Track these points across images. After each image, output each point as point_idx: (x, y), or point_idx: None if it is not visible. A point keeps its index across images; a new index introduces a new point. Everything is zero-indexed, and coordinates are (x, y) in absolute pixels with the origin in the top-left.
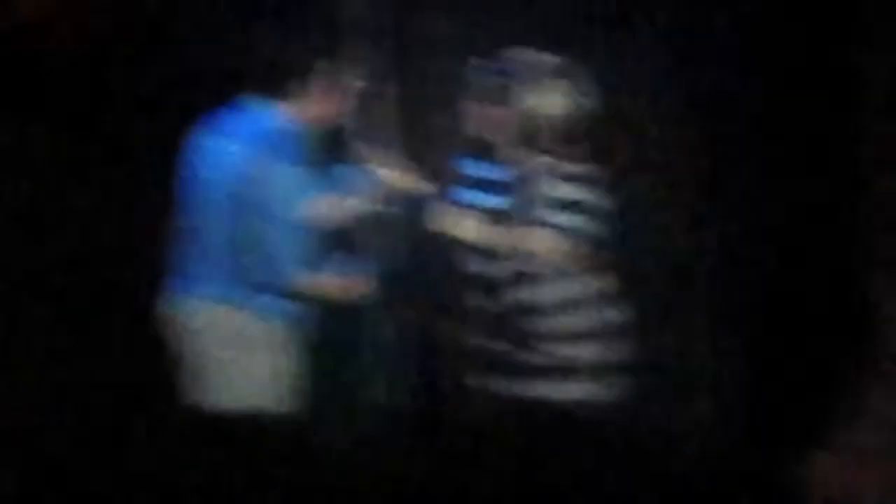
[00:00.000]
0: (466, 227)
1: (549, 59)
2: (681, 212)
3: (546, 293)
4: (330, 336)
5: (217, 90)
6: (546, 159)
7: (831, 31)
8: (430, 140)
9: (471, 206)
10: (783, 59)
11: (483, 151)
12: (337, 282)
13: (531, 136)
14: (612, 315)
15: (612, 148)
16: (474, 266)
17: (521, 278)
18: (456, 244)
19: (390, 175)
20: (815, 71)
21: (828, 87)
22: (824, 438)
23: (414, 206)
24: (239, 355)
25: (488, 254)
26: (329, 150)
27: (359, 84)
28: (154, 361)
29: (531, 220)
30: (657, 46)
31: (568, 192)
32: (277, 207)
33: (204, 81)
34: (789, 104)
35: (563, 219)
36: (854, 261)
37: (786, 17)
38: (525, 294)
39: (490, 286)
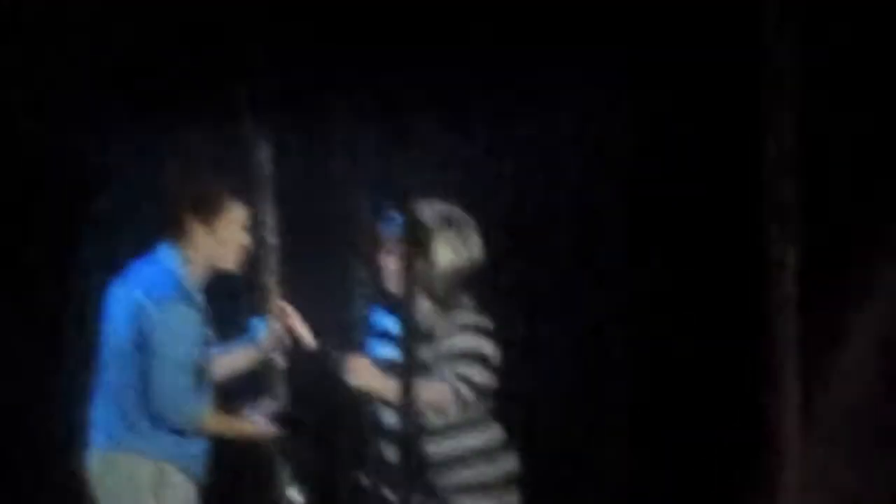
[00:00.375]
0: (366, 378)
1: (442, 208)
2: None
3: (441, 445)
4: (231, 482)
5: (130, 235)
6: (439, 309)
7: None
8: (328, 289)
9: (371, 357)
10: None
11: (381, 301)
12: (239, 422)
13: (425, 285)
14: (505, 465)
15: (501, 298)
16: (375, 417)
17: (419, 430)
18: (356, 394)
19: (288, 324)
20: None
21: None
22: None
23: (313, 355)
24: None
25: (388, 405)
26: (227, 297)
27: (265, 230)
28: None
29: (426, 371)
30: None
31: (462, 342)
32: (170, 347)
33: (119, 225)
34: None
35: (458, 370)
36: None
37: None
38: (424, 446)
39: (390, 437)
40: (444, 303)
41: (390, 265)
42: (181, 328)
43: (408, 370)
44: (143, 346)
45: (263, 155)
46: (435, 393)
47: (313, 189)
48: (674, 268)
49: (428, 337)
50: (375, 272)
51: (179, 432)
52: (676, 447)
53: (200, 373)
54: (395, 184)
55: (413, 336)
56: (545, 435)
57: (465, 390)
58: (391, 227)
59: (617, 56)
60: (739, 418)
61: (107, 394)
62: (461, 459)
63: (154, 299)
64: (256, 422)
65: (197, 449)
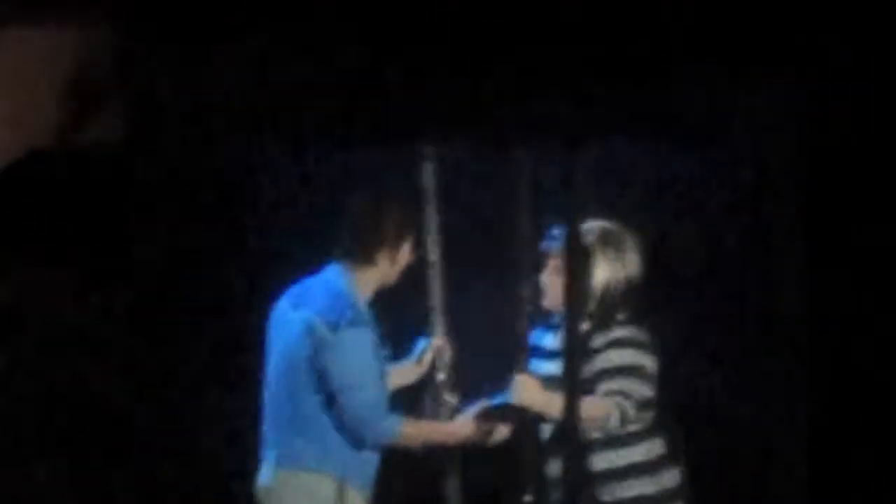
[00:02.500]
0: (531, 396)
1: (602, 226)
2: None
3: (603, 460)
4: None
5: (302, 258)
6: (593, 324)
7: None
8: (491, 308)
9: (534, 374)
10: None
11: (542, 318)
12: (436, 427)
13: (584, 302)
14: (668, 479)
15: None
16: (543, 434)
17: (582, 445)
18: (525, 412)
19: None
20: None
21: None
22: None
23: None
24: None
25: (551, 421)
26: (393, 316)
27: (429, 249)
28: None
29: (583, 387)
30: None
31: (617, 356)
32: (356, 369)
33: (288, 249)
34: None
35: (616, 384)
36: None
37: None
38: (586, 462)
39: (553, 454)
40: (602, 319)
41: (550, 283)
42: (362, 349)
43: (571, 386)
44: (321, 368)
45: (429, 175)
46: (596, 408)
47: (476, 208)
48: (850, 273)
49: (586, 352)
50: (537, 290)
51: (359, 448)
52: (853, 468)
53: (385, 387)
54: (558, 202)
55: (576, 349)
56: (708, 449)
57: (625, 404)
58: (552, 245)
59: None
60: None
61: (278, 414)
62: (623, 474)
63: (330, 323)
64: (462, 422)
65: (372, 465)
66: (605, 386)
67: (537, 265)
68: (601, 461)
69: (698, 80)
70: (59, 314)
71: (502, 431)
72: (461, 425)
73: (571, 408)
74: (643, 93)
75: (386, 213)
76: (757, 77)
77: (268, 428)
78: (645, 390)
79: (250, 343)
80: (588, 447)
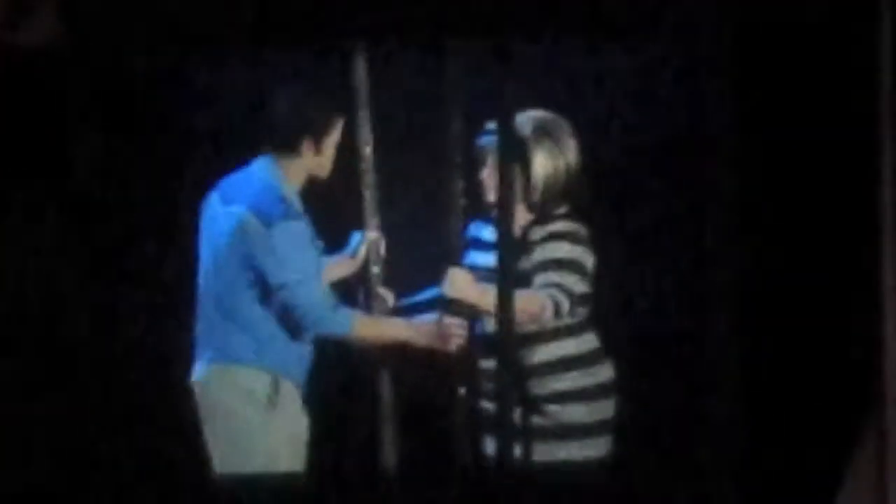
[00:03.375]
0: (463, 289)
1: (534, 115)
2: (666, 266)
3: (537, 353)
4: (335, 395)
5: (227, 151)
6: (533, 217)
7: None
8: (425, 203)
9: (468, 267)
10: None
11: (479, 213)
12: (391, 325)
13: (522, 195)
14: (601, 373)
15: (595, 204)
16: (475, 327)
17: (516, 339)
18: (458, 305)
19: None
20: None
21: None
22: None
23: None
24: (255, 416)
25: (485, 314)
26: (326, 211)
27: (362, 143)
28: (175, 432)
29: (520, 279)
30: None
31: (554, 250)
32: (297, 263)
33: (214, 143)
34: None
35: (552, 277)
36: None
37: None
38: (520, 355)
39: (487, 347)
40: (541, 211)
41: (488, 177)
42: (300, 243)
43: (504, 279)
44: (258, 264)
45: (360, 70)
46: (530, 301)
47: (409, 104)
48: (784, 167)
49: (524, 246)
50: (473, 185)
51: (293, 342)
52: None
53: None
54: (492, 97)
55: (509, 243)
56: (641, 344)
57: (560, 298)
58: (488, 140)
59: None
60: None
61: (211, 310)
62: (557, 367)
63: (263, 218)
64: (419, 325)
65: (306, 359)
66: (541, 278)
67: (471, 160)
68: (534, 354)
69: None
70: None
71: (461, 337)
72: (419, 325)
73: (505, 300)
74: None
75: (308, 102)
76: None
77: (201, 325)
78: (580, 285)
79: (182, 239)
80: (521, 340)
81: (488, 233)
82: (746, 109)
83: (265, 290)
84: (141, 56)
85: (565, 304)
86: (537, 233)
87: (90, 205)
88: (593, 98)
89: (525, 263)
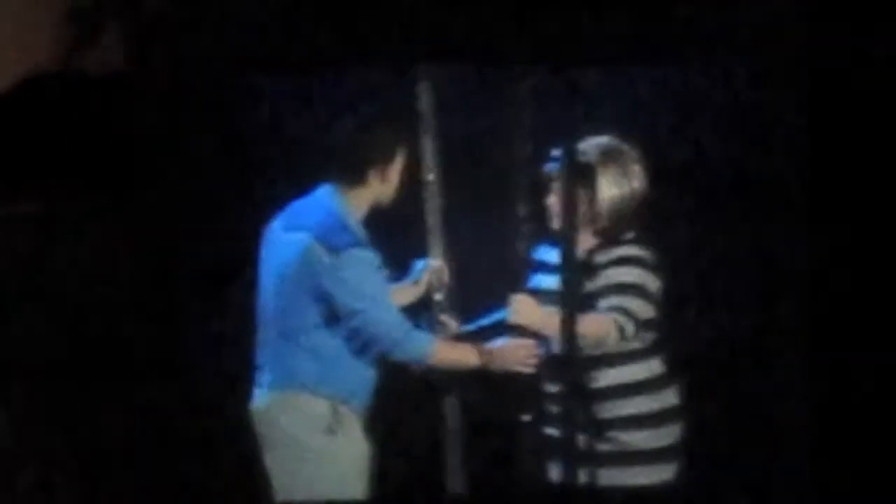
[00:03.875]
0: (528, 315)
1: (600, 142)
2: (734, 290)
3: (603, 378)
4: (399, 420)
5: (294, 178)
6: (598, 242)
7: None
8: (491, 230)
9: (532, 289)
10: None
11: (545, 238)
12: (470, 351)
13: (588, 219)
14: (667, 398)
15: (661, 229)
16: (542, 350)
17: (581, 363)
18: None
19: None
20: None
21: None
22: None
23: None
24: (316, 443)
25: (552, 338)
26: (391, 239)
27: (427, 171)
28: (231, 456)
29: (585, 303)
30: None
31: (619, 274)
32: (370, 289)
33: (278, 170)
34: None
35: (617, 301)
36: None
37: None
38: (585, 379)
39: (551, 371)
40: (607, 236)
41: (554, 203)
42: (369, 268)
43: (569, 302)
44: (324, 291)
45: (426, 96)
46: (594, 324)
47: (474, 130)
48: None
49: (589, 270)
50: (540, 212)
51: (357, 369)
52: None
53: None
54: (557, 122)
55: (574, 267)
56: (708, 370)
57: (624, 321)
58: (554, 165)
59: None
60: None
61: (273, 337)
62: (622, 392)
63: (330, 246)
64: (493, 350)
65: (369, 386)
66: (605, 302)
67: (536, 186)
68: (600, 379)
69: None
70: (58, 241)
71: (533, 359)
72: (492, 349)
73: (569, 324)
74: (639, 10)
75: (374, 130)
76: None
77: (261, 351)
78: (646, 309)
79: (244, 267)
80: (586, 364)
81: (553, 256)
82: (817, 133)
83: (332, 316)
84: (206, 81)
85: (630, 328)
86: (603, 257)
87: (154, 231)
88: (659, 122)
89: (590, 287)
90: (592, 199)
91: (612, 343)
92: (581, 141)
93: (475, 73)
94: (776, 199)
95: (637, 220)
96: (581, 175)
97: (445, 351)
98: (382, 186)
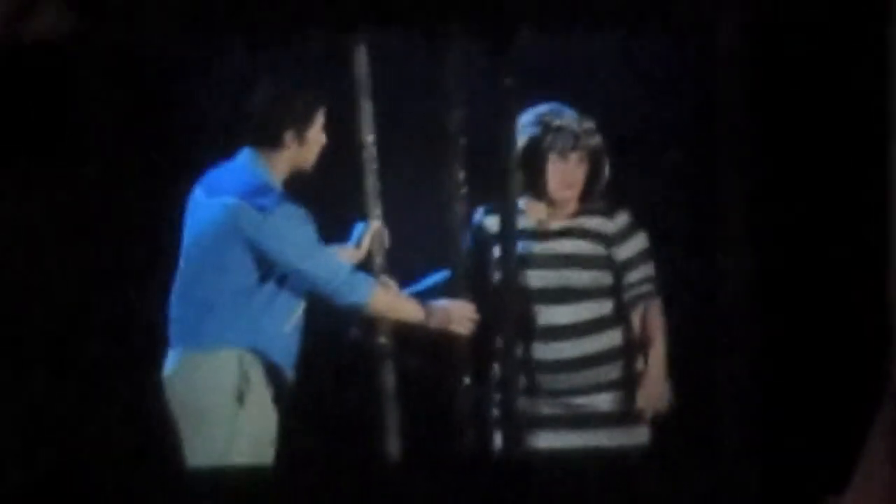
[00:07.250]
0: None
1: (546, 108)
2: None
3: (567, 348)
4: (334, 386)
5: (212, 143)
6: (549, 211)
7: None
8: (429, 193)
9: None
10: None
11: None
12: (410, 303)
13: (548, 192)
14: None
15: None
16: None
17: (544, 331)
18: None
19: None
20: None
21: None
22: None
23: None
24: (228, 408)
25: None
26: (328, 202)
27: (363, 133)
28: (152, 422)
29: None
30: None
31: (586, 247)
32: (303, 241)
33: (199, 135)
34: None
35: (580, 274)
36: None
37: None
38: (549, 347)
39: (514, 339)
40: (557, 206)
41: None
42: (302, 223)
43: (507, 270)
44: (257, 249)
45: (362, 60)
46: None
47: (411, 93)
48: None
49: (536, 238)
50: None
51: (280, 325)
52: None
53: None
54: (495, 87)
55: (513, 236)
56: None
57: (584, 293)
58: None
59: None
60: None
61: (189, 301)
62: (582, 362)
63: (258, 206)
64: (433, 306)
65: (295, 343)
66: (544, 273)
67: (474, 150)
68: (545, 351)
69: None
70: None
71: (473, 321)
72: (432, 307)
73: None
74: None
75: (290, 94)
76: None
77: (176, 316)
78: (584, 279)
79: (166, 233)
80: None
81: (495, 223)
82: (760, 101)
83: (264, 274)
84: (137, 47)
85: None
86: (555, 226)
87: (74, 198)
88: (600, 89)
89: (539, 252)
90: (598, 175)
91: (580, 314)
92: (524, 106)
93: (412, 36)
94: (720, 164)
95: (586, 189)
96: (593, 151)
97: (386, 296)
98: (301, 150)
